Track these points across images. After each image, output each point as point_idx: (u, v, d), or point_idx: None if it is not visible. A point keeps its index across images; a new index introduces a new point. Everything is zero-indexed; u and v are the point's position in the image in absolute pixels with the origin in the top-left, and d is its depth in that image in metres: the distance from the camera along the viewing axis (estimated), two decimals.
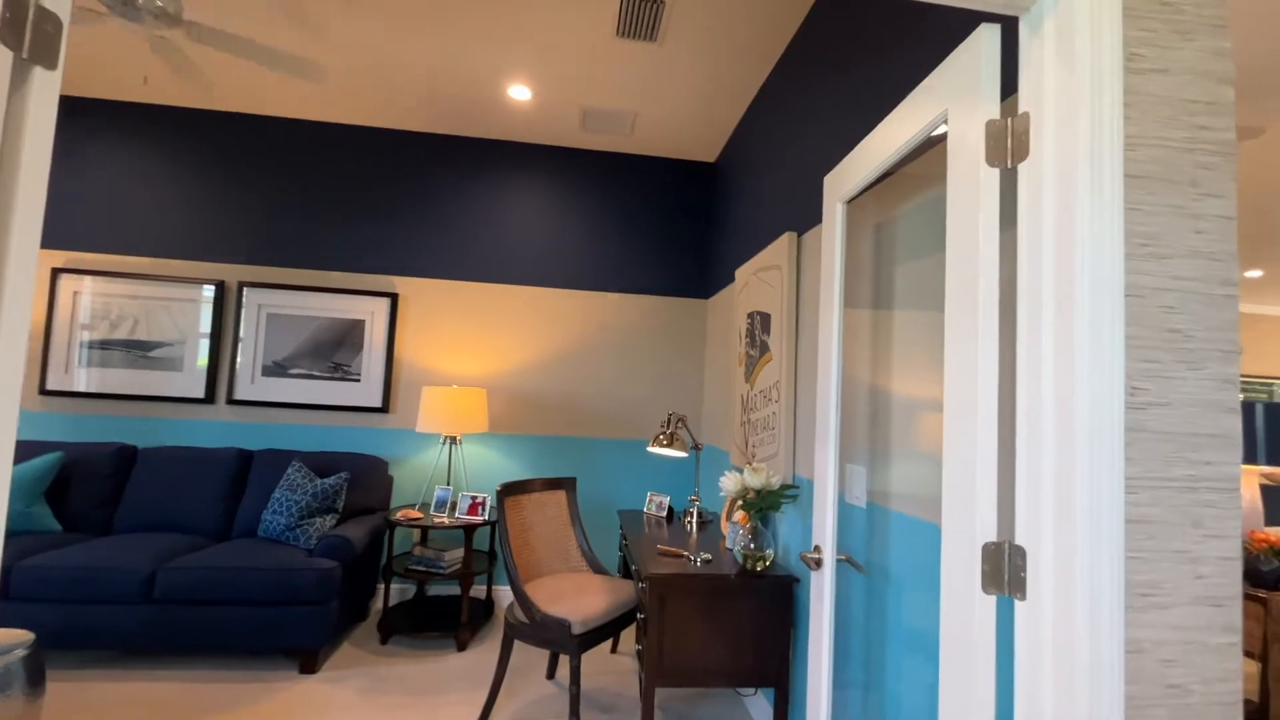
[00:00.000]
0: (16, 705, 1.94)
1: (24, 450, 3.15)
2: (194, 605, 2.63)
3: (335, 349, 3.62)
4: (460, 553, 3.14)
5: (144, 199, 3.55)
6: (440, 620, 3.16)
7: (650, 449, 2.69)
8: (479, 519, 3.10)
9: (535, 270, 3.77)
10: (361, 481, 3.33)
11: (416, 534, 3.59)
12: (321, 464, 3.32)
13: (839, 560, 1.62)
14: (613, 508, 3.72)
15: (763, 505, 2.07)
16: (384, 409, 3.61)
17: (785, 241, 2.36)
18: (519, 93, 3.20)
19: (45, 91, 0.86)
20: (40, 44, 0.85)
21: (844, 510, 1.82)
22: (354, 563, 2.92)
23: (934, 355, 1.44)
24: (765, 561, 2.10)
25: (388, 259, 3.69)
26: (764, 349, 2.56)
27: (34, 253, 0.86)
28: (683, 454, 2.69)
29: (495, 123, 3.58)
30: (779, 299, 2.40)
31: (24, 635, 2.06)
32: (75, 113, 3.53)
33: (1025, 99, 0.96)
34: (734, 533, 2.31)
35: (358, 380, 3.62)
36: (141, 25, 2.25)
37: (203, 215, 3.59)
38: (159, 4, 2.21)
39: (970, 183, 1.04)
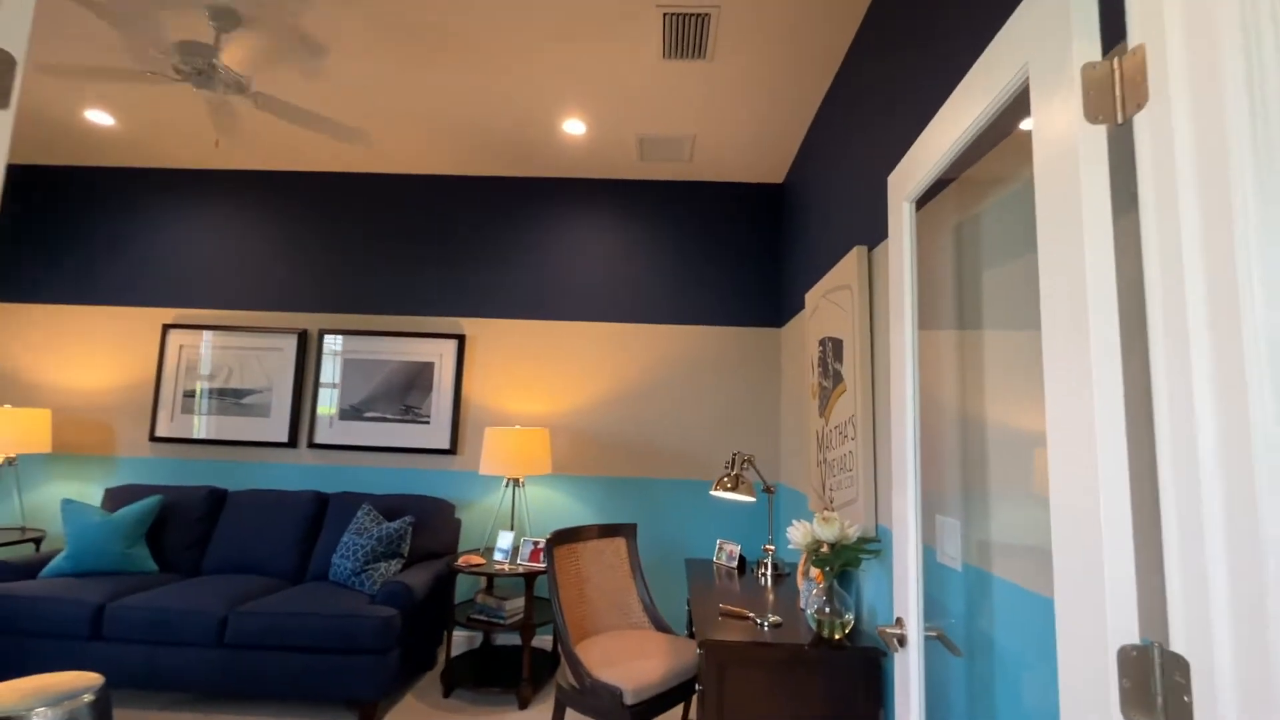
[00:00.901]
0: None
1: (131, 494, 3.38)
2: (262, 651, 2.64)
3: (406, 391, 3.67)
4: (522, 601, 3.00)
5: (236, 257, 3.82)
6: (505, 673, 3.01)
7: (714, 493, 2.45)
8: (540, 566, 2.95)
9: (598, 305, 3.67)
10: (428, 525, 3.30)
11: (483, 580, 3.50)
12: (391, 507, 3.33)
13: (929, 637, 1.31)
14: (680, 556, 3.46)
15: (839, 561, 1.78)
16: (452, 450, 3.60)
17: (854, 258, 2.10)
18: (574, 127, 3.17)
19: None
20: None
21: (935, 573, 1.50)
22: (415, 610, 2.85)
23: (1033, 371, 1.14)
24: (844, 628, 1.79)
25: (454, 301, 3.73)
26: (837, 379, 2.27)
27: None
28: (749, 499, 2.42)
29: (552, 160, 3.57)
30: (850, 322, 2.12)
31: (94, 679, 2.11)
32: (176, 184, 3.88)
33: (1137, 29, 0.70)
34: (808, 591, 2.01)
35: (427, 422, 3.64)
36: (213, 91, 2.39)
37: (286, 269, 3.80)
38: (234, 75, 2.35)
39: (1064, 150, 0.78)
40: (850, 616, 1.81)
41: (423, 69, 2.70)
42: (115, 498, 3.37)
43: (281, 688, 2.61)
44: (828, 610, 1.80)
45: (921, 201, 1.62)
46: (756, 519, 3.45)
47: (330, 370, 3.70)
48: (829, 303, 2.40)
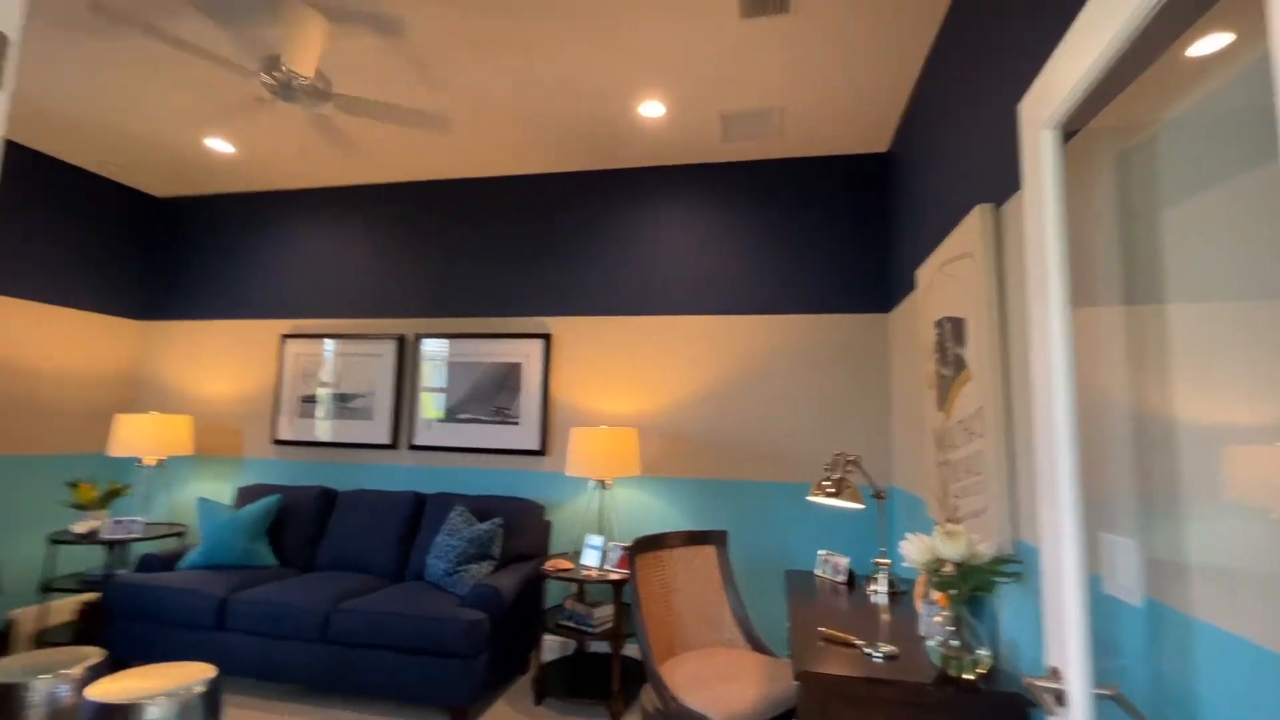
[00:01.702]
0: None
1: (257, 493, 3.63)
2: (360, 648, 2.70)
3: (496, 392, 3.67)
4: (611, 609, 2.87)
5: (340, 268, 4.02)
6: (597, 683, 2.89)
7: (812, 498, 2.17)
8: (629, 573, 2.80)
9: (686, 298, 3.48)
10: (518, 527, 3.26)
11: (574, 585, 3.41)
12: (482, 508, 3.32)
13: (1100, 697, 1.00)
14: (778, 566, 3.18)
15: (967, 585, 1.46)
16: (541, 451, 3.55)
17: (976, 218, 1.75)
18: (652, 109, 3.00)
19: None
20: None
21: (1103, 607, 1.17)
22: (504, 614, 2.80)
23: (1256, 353, 0.81)
24: (976, 667, 1.47)
25: (539, 300, 3.69)
26: (959, 365, 1.93)
27: None
28: (855, 505, 2.12)
29: (631, 149, 3.42)
30: (974, 296, 1.78)
31: (207, 671, 2.21)
32: (288, 204, 4.15)
33: None
34: (928, 616, 1.70)
35: (517, 423, 3.62)
36: (300, 104, 2.46)
37: (384, 277, 3.94)
38: (311, 83, 2.40)
39: None
40: (986, 653, 1.49)
41: (494, 67, 2.65)
42: (244, 496, 3.63)
43: (379, 685, 2.65)
44: (955, 644, 1.48)
45: (1068, 133, 1.28)
46: (865, 527, 3.09)
47: (426, 373, 3.79)
48: (946, 276, 2.05)
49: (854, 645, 1.67)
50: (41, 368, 3.68)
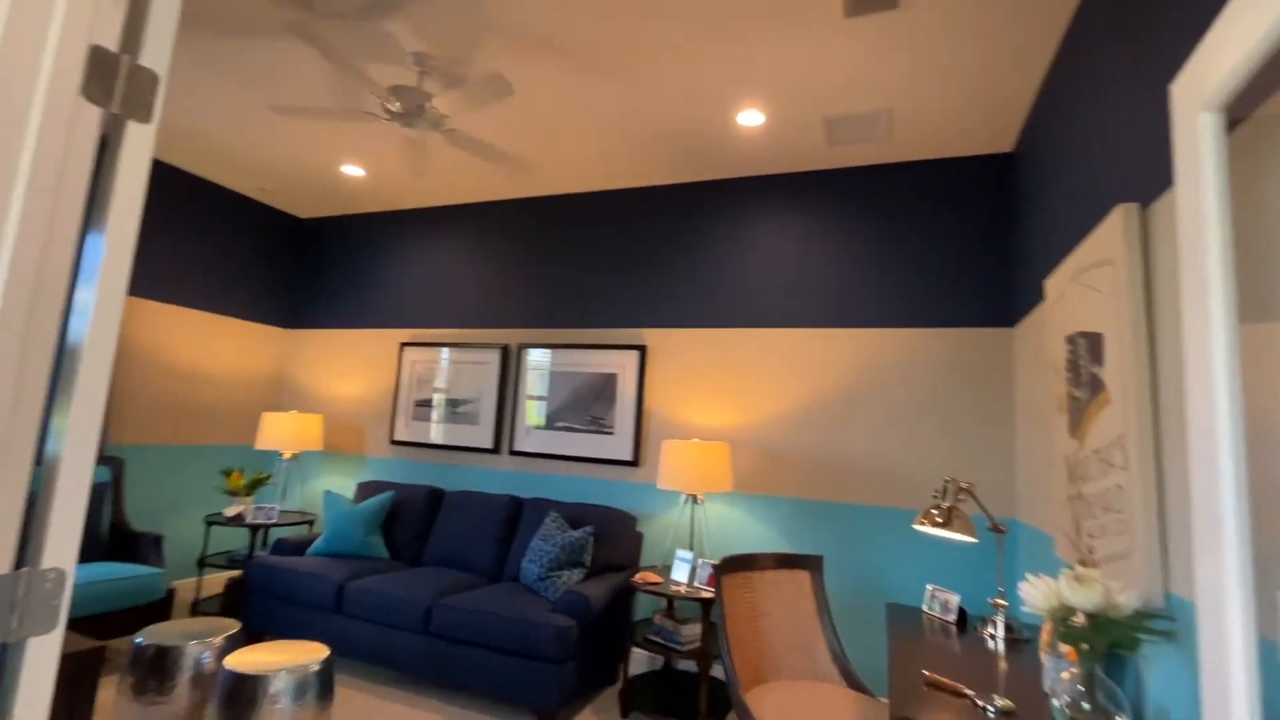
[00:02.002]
0: (310, 711, 2.24)
1: (375, 489, 3.92)
2: (457, 644, 2.82)
3: (592, 402, 3.74)
4: (699, 628, 2.80)
5: (452, 281, 4.28)
6: (684, 701, 2.83)
7: (918, 527, 2.00)
8: (714, 593, 2.72)
9: (784, 310, 3.36)
10: (609, 536, 3.27)
11: (664, 599, 3.37)
12: (575, 515, 3.38)
13: None
14: (880, 597, 2.95)
15: (1103, 639, 1.27)
16: (634, 462, 3.56)
17: (1118, 220, 1.54)
18: (750, 119, 2.94)
19: (138, 143, 0.89)
20: (133, 99, 0.88)
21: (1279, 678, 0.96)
22: (593, 622, 2.82)
23: None
24: None
25: (636, 312, 3.72)
26: (1095, 386, 1.70)
27: (120, 295, 0.87)
28: (966, 538, 1.92)
29: (730, 159, 3.37)
30: (1115, 309, 1.56)
31: (322, 651, 2.40)
32: (408, 222, 4.48)
33: None
34: (1056, 671, 1.50)
35: (611, 433, 3.66)
36: (414, 129, 2.65)
37: (490, 289, 4.15)
38: (439, 114, 2.59)
39: None
40: None
41: (595, 87, 2.71)
42: (363, 491, 3.93)
43: (474, 681, 2.75)
44: (1087, 706, 1.29)
45: (1231, 121, 1.09)
46: (980, 563, 2.81)
47: (527, 382, 3.93)
48: (1080, 286, 1.83)
49: (964, 694, 1.51)
50: (205, 369, 4.22)
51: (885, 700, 1.98)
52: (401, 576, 3.18)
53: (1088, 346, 1.76)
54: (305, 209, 4.72)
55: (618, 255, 3.82)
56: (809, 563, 2.27)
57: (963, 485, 2.03)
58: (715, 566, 2.02)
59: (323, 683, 2.30)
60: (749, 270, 3.47)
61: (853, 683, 2.06)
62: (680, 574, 2.90)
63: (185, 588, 4.01)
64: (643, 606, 3.42)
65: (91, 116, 0.82)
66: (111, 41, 0.84)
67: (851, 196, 3.32)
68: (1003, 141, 2.99)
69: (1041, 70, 2.44)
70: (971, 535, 1.94)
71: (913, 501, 2.97)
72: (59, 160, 0.79)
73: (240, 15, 2.41)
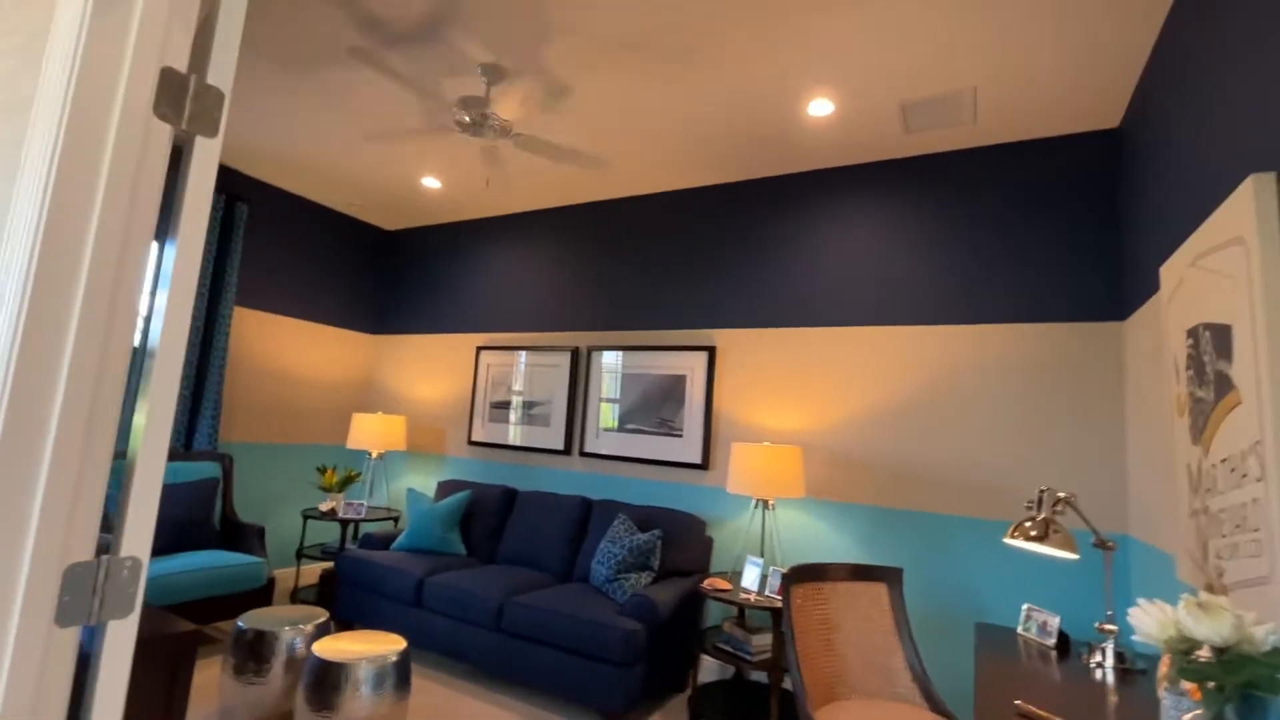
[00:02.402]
0: (388, 701, 2.33)
1: (451, 488, 4.07)
2: (526, 641, 2.86)
3: (661, 405, 3.71)
4: (770, 638, 2.70)
5: (524, 285, 4.38)
6: (756, 713, 2.74)
7: (1010, 541, 1.82)
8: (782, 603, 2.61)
9: (859, 307, 3.20)
10: (678, 540, 3.23)
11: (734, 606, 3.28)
12: (644, 518, 3.36)
13: None
14: (968, 616, 2.73)
15: (1235, 678, 1.10)
16: (703, 465, 3.50)
17: (1249, 193, 1.34)
18: (820, 108, 2.82)
19: (205, 156, 0.94)
20: (200, 115, 0.93)
21: None
22: (660, 627, 2.78)
23: None
24: None
25: (704, 312, 3.66)
26: (1222, 386, 1.49)
27: (189, 299, 0.92)
28: (1065, 555, 1.73)
29: (799, 153, 3.25)
30: (1246, 295, 1.36)
31: (399, 643, 2.50)
32: (482, 230, 4.62)
33: None
34: (1175, 710, 1.31)
35: (680, 435, 3.61)
36: (482, 138, 2.73)
37: (561, 292, 4.21)
38: (502, 121, 2.65)
39: None
40: None
41: (658, 83, 2.69)
42: (442, 490, 4.09)
43: (543, 680, 2.78)
44: None
45: None
46: (1085, 583, 2.54)
47: (601, 384, 3.96)
48: (1203, 272, 1.61)
49: None
50: (302, 373, 4.53)
51: None
52: (476, 573, 3.27)
53: (1213, 340, 1.55)
54: (391, 221, 4.98)
55: (685, 255, 3.78)
56: (887, 575, 2.13)
57: (1061, 496, 1.83)
58: (784, 575, 1.93)
59: (400, 673, 2.39)
60: (821, 267, 3.33)
61: (936, 706, 1.90)
62: (750, 581, 2.81)
63: (285, 576, 4.32)
64: (713, 613, 3.35)
65: (162, 134, 0.88)
66: (181, 62, 0.90)
67: (931, 185, 3.11)
68: (1106, 116, 2.71)
69: (1154, 31, 2.18)
70: (1072, 551, 1.75)
71: (1004, 512, 2.73)
72: (133, 175, 0.84)
73: (321, 50, 2.57)
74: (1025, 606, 2.09)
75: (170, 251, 0.89)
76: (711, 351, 3.57)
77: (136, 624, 0.85)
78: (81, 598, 0.79)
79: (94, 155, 0.81)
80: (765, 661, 2.61)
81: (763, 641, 2.67)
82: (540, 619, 2.80)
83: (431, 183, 4.09)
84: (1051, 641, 1.98)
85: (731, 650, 2.72)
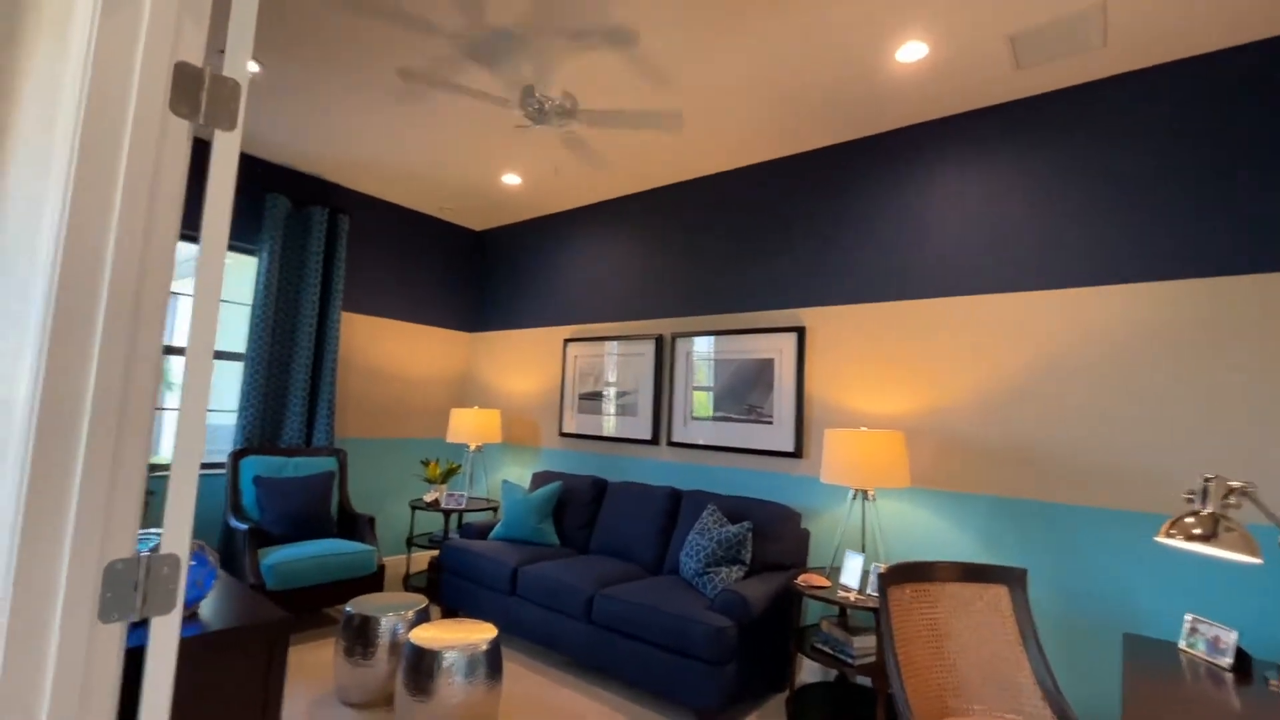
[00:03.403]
0: (480, 688, 2.38)
1: (544, 479, 4.13)
2: (616, 634, 2.82)
3: (749, 390, 3.53)
4: (874, 641, 2.48)
5: (607, 275, 4.34)
6: (860, 718, 2.54)
7: (1163, 540, 1.51)
8: (879, 606, 2.38)
9: (968, 275, 2.85)
10: (771, 532, 3.06)
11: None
12: (734, 509, 3.21)
13: None
14: (1115, 625, 2.35)
15: None
16: (796, 454, 3.29)
17: None
18: (911, 52, 2.52)
19: (225, 150, 0.92)
20: (217, 109, 0.91)
21: None
22: (752, 624, 2.64)
23: None
24: None
25: (792, 291, 3.43)
26: None
27: (216, 293, 0.91)
28: (1243, 557, 1.40)
29: (888, 109, 2.93)
30: None
31: (490, 631, 2.54)
32: (563, 224, 4.63)
33: None
34: None
35: (770, 422, 3.43)
36: (551, 126, 2.69)
37: (642, 280, 4.13)
38: (559, 103, 2.60)
39: None
40: None
41: (728, 50, 2.51)
42: (536, 481, 4.16)
43: (634, 674, 2.73)
44: None
45: None
46: (1271, 590, 2.09)
47: (682, 372, 3.85)
48: None
49: None
50: (406, 371, 4.79)
51: None
52: (568, 564, 3.28)
53: None
54: (479, 222, 5.14)
55: (767, 232, 3.56)
56: (1007, 576, 1.86)
57: (1235, 485, 1.49)
58: (881, 575, 1.74)
59: (490, 662, 2.43)
60: (920, 234, 3.00)
61: None
62: (850, 578, 2.59)
63: (396, 564, 4.59)
64: (812, 610, 3.15)
65: (180, 130, 0.87)
66: (195, 57, 0.89)
67: (1046, 130, 2.69)
68: (1275, 16, 2.20)
69: None
70: (1252, 554, 1.41)
71: (1157, 504, 2.32)
72: (151, 174, 0.84)
73: (404, 67, 2.63)
74: (1189, 617, 1.75)
75: (195, 248, 0.89)
76: (801, 332, 3.34)
77: (180, 619, 0.86)
78: (124, 594, 0.80)
79: (111, 156, 0.81)
80: (869, 666, 2.40)
81: (865, 644, 2.46)
82: (629, 612, 2.75)
83: (511, 179, 4.15)
84: (1227, 661, 1.64)
85: (831, 652, 2.53)
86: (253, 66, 2.82)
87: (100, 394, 0.79)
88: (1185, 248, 2.37)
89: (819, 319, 3.31)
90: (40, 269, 0.79)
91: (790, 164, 3.51)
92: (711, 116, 3.15)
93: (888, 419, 3.01)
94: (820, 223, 3.35)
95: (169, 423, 3.90)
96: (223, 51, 0.85)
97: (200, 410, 0.87)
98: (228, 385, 4.12)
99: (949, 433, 2.82)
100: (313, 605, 3.26)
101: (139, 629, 0.84)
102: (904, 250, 3.04)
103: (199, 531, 3.73)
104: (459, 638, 2.44)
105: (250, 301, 3.96)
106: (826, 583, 2.63)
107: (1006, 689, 1.76)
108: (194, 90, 0.88)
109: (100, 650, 0.79)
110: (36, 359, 0.76)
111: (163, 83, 0.85)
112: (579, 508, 3.86)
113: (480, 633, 2.52)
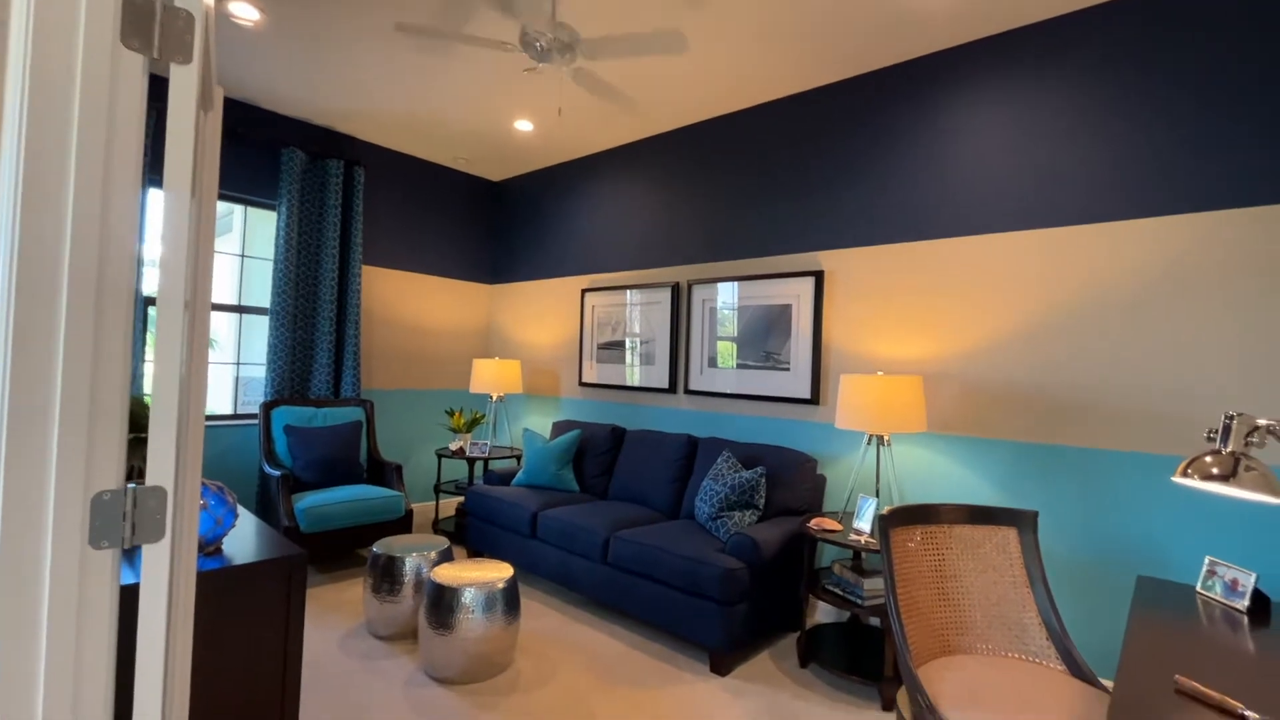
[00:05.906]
0: (498, 623, 2.48)
1: (564, 428, 4.19)
2: (631, 575, 2.89)
3: (766, 337, 3.48)
4: (883, 582, 2.48)
5: (622, 223, 4.26)
6: (869, 659, 2.58)
7: (1181, 480, 1.44)
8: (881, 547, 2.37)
9: (993, 212, 2.71)
10: (785, 478, 3.06)
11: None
12: (749, 455, 3.22)
13: None
14: (1133, 568, 2.30)
15: None
16: (813, 400, 3.25)
17: None
18: None
19: (182, 84, 0.91)
20: (171, 41, 0.89)
21: None
22: (763, 566, 2.67)
23: None
24: None
25: (810, 234, 3.32)
26: None
27: (182, 235, 0.91)
28: (1265, 497, 1.33)
29: (912, 33, 2.74)
30: None
31: (507, 571, 2.63)
32: (577, 171, 4.53)
33: None
34: None
35: (787, 369, 3.38)
36: (554, 64, 2.59)
37: (658, 227, 4.05)
38: (554, 37, 2.50)
39: None
40: None
41: None
42: (556, 429, 4.23)
43: (649, 613, 2.81)
44: None
45: None
46: None
47: (699, 320, 3.80)
48: None
49: (1235, 714, 1.06)
50: (429, 323, 4.85)
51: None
52: (586, 508, 3.36)
53: None
54: (496, 172, 5.07)
55: (782, 174, 3.43)
56: (1016, 519, 1.82)
57: (1262, 424, 1.41)
58: (881, 517, 1.72)
59: (508, 599, 2.52)
60: (945, 169, 2.84)
61: (1076, 670, 1.62)
62: (863, 522, 2.59)
63: (426, 510, 4.77)
64: (827, 554, 3.17)
65: (135, 64, 0.86)
66: None
67: (1082, 50, 2.48)
68: None
69: None
70: (1274, 494, 1.35)
71: (1182, 446, 2.23)
72: (107, 111, 0.83)
73: (415, 15, 2.55)
74: (1207, 560, 1.69)
75: (159, 191, 0.89)
76: (819, 276, 3.25)
77: (169, 547, 0.90)
78: (112, 523, 0.84)
79: (63, 94, 0.80)
80: (879, 607, 2.41)
81: (876, 585, 2.47)
82: (643, 554, 2.81)
83: (524, 125, 4.06)
84: (1243, 604, 1.59)
85: (841, 593, 2.56)
86: (251, 11, 2.77)
87: (72, 335, 0.80)
88: (1231, 172, 2.19)
89: (837, 261, 3.21)
90: (2, 213, 0.80)
91: (803, 100, 3.34)
92: (716, 40, 2.99)
93: (906, 364, 2.94)
94: (838, 161, 3.21)
95: (216, 377, 4.05)
96: None
97: (173, 347, 0.89)
98: (258, 338, 4.24)
99: (969, 377, 2.74)
100: (345, 547, 3.42)
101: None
102: (925, 187, 2.90)
103: (238, 478, 3.91)
104: (477, 576, 2.54)
105: (272, 256, 4.03)
106: (839, 526, 2.63)
107: (1013, 630, 1.76)
108: (146, 23, 0.86)
109: (93, 575, 0.83)
110: (6, 296, 0.78)
111: (111, 14, 0.83)
112: (598, 455, 3.92)
113: (498, 572, 2.61)
